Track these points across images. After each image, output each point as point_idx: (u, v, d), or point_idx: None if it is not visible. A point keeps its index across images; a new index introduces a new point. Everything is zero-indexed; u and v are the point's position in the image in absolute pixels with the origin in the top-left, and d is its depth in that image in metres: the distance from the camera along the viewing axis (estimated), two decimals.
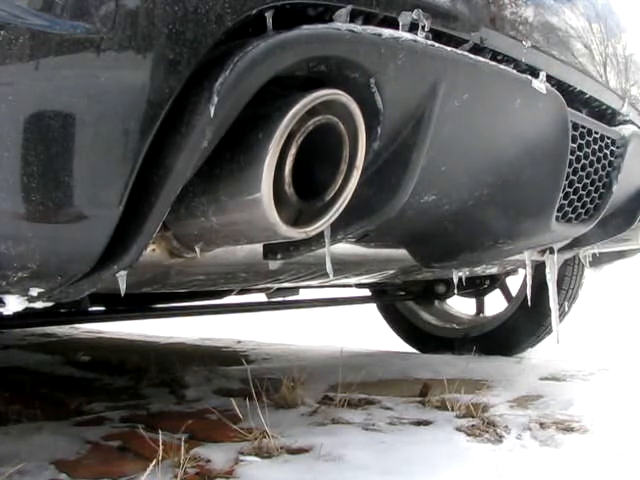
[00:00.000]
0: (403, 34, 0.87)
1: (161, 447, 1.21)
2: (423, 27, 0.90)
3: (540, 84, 1.09)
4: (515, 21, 1.09)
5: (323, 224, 0.90)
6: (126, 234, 0.78)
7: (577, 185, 1.36)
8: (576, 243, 1.65)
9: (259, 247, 1.09)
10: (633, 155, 1.47)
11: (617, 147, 1.45)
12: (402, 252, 1.46)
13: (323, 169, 0.89)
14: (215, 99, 0.73)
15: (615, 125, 1.46)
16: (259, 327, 3.75)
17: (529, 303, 1.76)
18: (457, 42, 0.99)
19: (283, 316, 3.68)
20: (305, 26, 0.78)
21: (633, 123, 1.50)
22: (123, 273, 0.84)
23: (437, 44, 0.91)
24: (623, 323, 3.87)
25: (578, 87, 1.28)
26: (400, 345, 2.99)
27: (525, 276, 2.26)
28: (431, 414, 1.68)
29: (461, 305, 2.99)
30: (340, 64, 0.82)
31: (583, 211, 1.43)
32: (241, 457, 1.33)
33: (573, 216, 1.41)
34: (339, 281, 1.91)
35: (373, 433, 1.52)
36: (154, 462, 1.14)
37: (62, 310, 1.86)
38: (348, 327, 3.83)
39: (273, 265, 1.12)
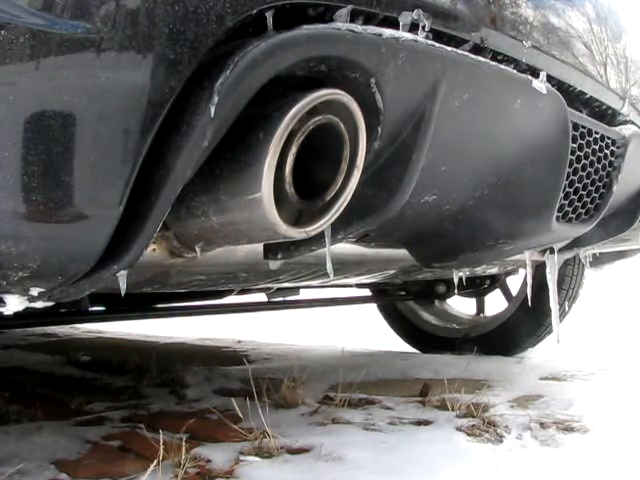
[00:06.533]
0: (404, 34, 0.87)
1: (162, 447, 1.21)
2: (423, 27, 0.90)
3: (540, 84, 1.09)
4: (515, 21, 1.09)
5: (323, 224, 0.90)
6: (127, 234, 0.78)
7: (577, 185, 1.36)
8: (576, 243, 1.65)
9: (259, 247, 1.09)
10: (633, 155, 1.47)
11: (617, 147, 1.45)
12: (402, 252, 1.46)
13: (324, 169, 0.89)
14: (215, 99, 0.73)
15: (615, 125, 1.46)
16: (259, 327, 3.75)
17: (529, 303, 1.76)
18: (457, 42, 0.99)
19: (283, 316, 3.68)
20: (305, 26, 0.78)
21: (633, 123, 1.50)
22: (123, 273, 0.84)
23: (437, 44, 0.91)
24: (623, 323, 3.87)
25: (578, 87, 1.28)
26: (400, 345, 2.99)
27: (525, 276, 2.26)
28: (431, 414, 1.68)
29: (461, 305, 2.99)
30: (340, 64, 0.82)
31: (583, 211, 1.43)
32: (241, 457, 1.33)
33: (573, 216, 1.41)
34: (339, 281, 1.91)
35: (373, 433, 1.52)
36: (155, 462, 1.14)
37: (62, 310, 1.86)
38: (348, 327, 3.83)
39: (273, 265, 1.12)
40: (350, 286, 2.51)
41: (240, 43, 0.76)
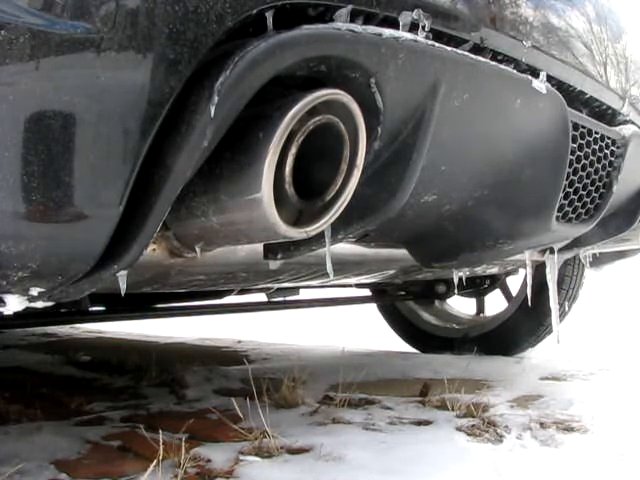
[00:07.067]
0: (403, 34, 0.87)
1: (161, 447, 1.21)
2: (423, 27, 0.90)
3: (540, 84, 1.09)
4: (515, 21, 1.09)
5: (323, 224, 0.90)
6: (126, 234, 0.78)
7: (577, 185, 1.36)
8: (576, 243, 1.65)
9: (259, 247, 1.09)
10: (633, 155, 1.47)
11: (617, 147, 1.45)
12: (402, 252, 1.46)
13: (323, 169, 0.89)
14: (215, 99, 0.73)
15: (615, 125, 1.46)
16: (259, 327, 3.75)
17: (529, 303, 1.76)
18: (457, 42, 0.99)
19: (283, 316, 3.68)
20: (305, 26, 0.78)
21: (633, 123, 1.50)
22: (123, 273, 0.84)
23: (437, 44, 0.91)
24: (623, 323, 3.87)
25: (578, 87, 1.28)
26: (400, 345, 2.99)
27: (525, 276, 2.26)
28: (431, 414, 1.68)
29: (461, 305, 2.99)
30: (340, 64, 0.82)
31: (583, 211, 1.43)
32: (241, 457, 1.33)
33: (573, 216, 1.41)
34: (339, 281, 1.91)
35: (373, 433, 1.52)
36: (154, 462, 1.14)
37: (62, 310, 1.86)
38: (348, 327, 3.83)
39: (273, 265, 1.12)
40: (350, 286, 2.51)
41: (240, 43, 0.76)
